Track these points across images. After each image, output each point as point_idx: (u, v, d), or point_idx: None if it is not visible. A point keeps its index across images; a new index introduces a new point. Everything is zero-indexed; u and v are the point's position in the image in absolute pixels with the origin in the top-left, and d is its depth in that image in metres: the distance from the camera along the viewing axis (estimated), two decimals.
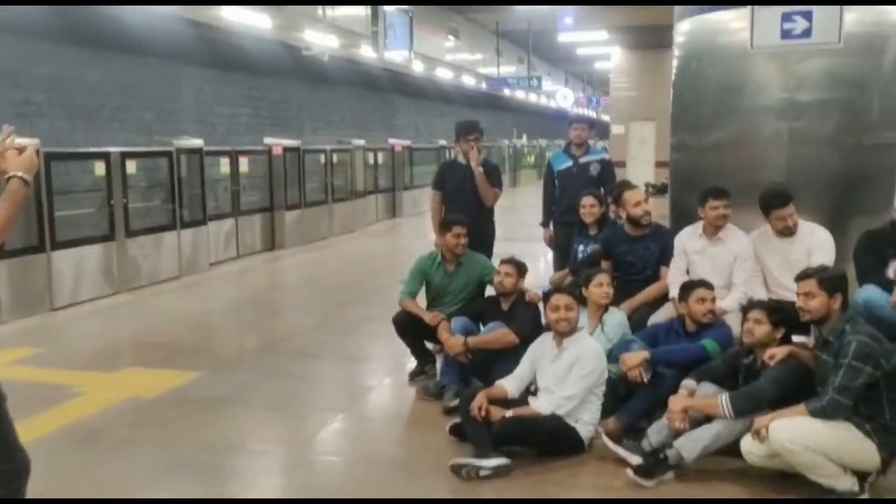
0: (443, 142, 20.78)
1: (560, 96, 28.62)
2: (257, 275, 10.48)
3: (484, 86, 22.75)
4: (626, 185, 5.73)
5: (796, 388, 3.81)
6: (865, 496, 3.58)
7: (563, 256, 6.55)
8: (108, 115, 11.86)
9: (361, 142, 16.05)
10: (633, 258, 5.37)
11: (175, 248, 9.69)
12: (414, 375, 5.54)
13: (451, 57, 21.05)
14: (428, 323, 5.25)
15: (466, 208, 6.13)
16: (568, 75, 35.93)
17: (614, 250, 5.48)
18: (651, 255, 5.33)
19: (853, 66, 5.12)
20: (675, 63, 5.87)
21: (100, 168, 8.57)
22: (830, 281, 3.73)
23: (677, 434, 3.96)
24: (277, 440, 4.59)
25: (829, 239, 4.82)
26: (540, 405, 4.16)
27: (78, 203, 8.69)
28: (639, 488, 3.83)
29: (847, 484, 3.55)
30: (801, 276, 3.83)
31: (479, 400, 4.19)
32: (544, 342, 4.45)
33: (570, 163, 6.67)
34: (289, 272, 10.64)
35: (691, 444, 3.88)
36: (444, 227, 5.61)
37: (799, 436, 3.47)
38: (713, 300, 4.47)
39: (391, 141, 18.49)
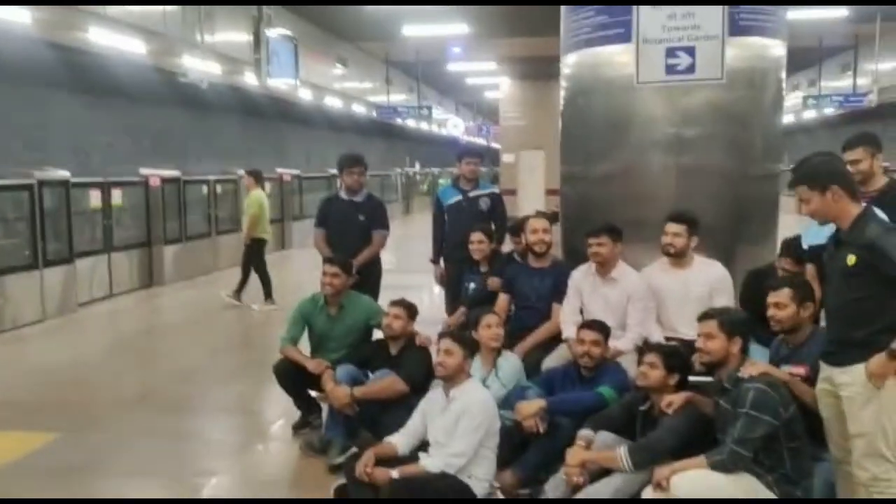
0: (334, 171, 20.33)
1: (451, 125, 28.78)
2: (131, 316, 9.77)
3: (374, 114, 22.49)
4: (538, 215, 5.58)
5: (695, 436, 3.66)
6: None
7: (454, 294, 6.32)
8: None
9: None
10: (528, 290, 5.20)
11: (37, 289, 8.89)
12: (298, 427, 5.15)
13: (339, 85, 20.69)
14: (311, 371, 4.88)
15: (351, 246, 5.83)
16: (458, 104, 36.20)
17: (514, 282, 5.29)
18: (545, 289, 5.16)
19: (736, 101, 5.12)
20: (562, 95, 5.77)
21: None
22: (732, 324, 3.62)
23: (575, 489, 3.75)
24: None
25: (728, 277, 4.77)
26: (429, 462, 3.85)
27: None
28: None
29: None
30: (703, 317, 3.71)
31: (365, 460, 3.86)
32: (436, 392, 4.17)
33: (459, 197, 6.46)
34: (166, 312, 9.98)
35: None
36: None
37: (700, 490, 3.31)
38: (594, 342, 4.29)
39: (279, 170, 17.96)
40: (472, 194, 6.44)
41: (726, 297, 4.65)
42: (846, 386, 3.21)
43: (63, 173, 9.67)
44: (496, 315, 4.64)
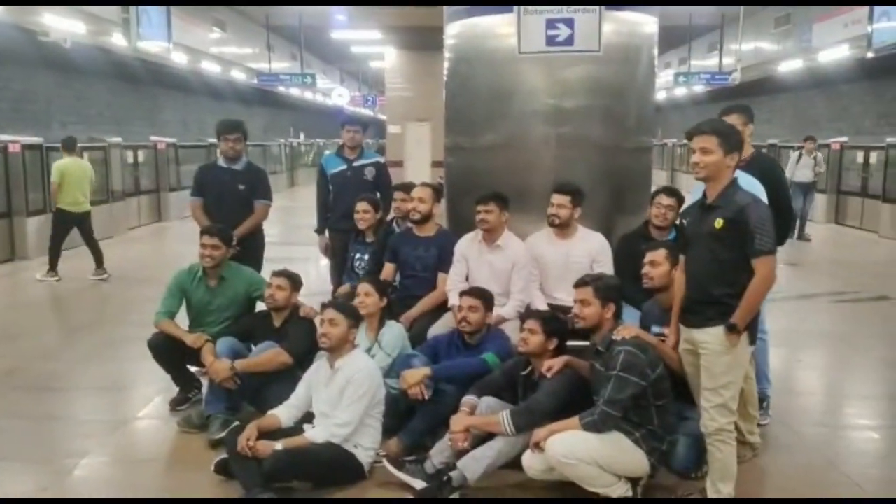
0: (213, 140, 19.63)
1: (336, 94, 28.29)
2: None
3: (255, 81, 21.82)
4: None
5: (574, 397, 3.81)
6: (638, 498, 3.64)
7: (340, 265, 6.25)
8: None
9: (118, 139, 14.71)
10: (413, 259, 5.21)
11: None
12: (176, 404, 4.99)
13: (217, 50, 19.92)
14: (190, 346, 4.72)
15: (231, 216, 5.65)
16: (343, 73, 35.65)
17: (399, 252, 5.29)
18: (430, 258, 5.18)
19: (612, 75, 5.27)
20: (446, 65, 5.76)
21: None
22: (605, 290, 3.76)
23: (461, 454, 3.82)
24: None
25: (608, 247, 4.95)
26: (314, 433, 3.83)
27: None
28: None
29: (620, 490, 3.59)
30: (579, 283, 3.83)
31: (248, 433, 3.79)
32: (320, 363, 4.13)
33: (343, 166, 6.37)
34: (30, 287, 9.38)
35: (474, 465, 3.75)
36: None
37: (573, 450, 3.46)
38: (471, 308, 4.37)
39: (154, 138, 17.18)
40: (356, 163, 6.36)
41: (606, 268, 4.82)
42: (704, 344, 3.40)
43: None
44: (369, 284, 4.62)
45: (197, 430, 4.57)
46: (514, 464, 3.75)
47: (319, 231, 6.55)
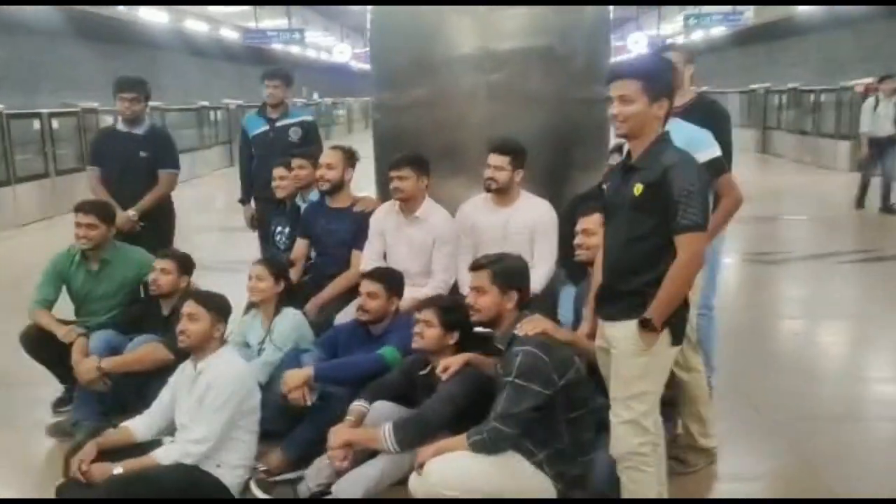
0: (204, 103, 19.07)
1: (336, 51, 27.42)
2: None
3: (241, 39, 20.96)
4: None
5: (476, 404, 3.12)
6: None
7: (266, 238, 5.59)
8: None
9: (95, 104, 14.11)
10: (324, 234, 4.55)
11: None
12: (60, 405, 4.40)
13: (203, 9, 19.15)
14: (61, 340, 4.11)
15: (134, 188, 5.01)
16: (346, 29, 34.62)
17: (311, 226, 4.63)
18: (344, 232, 4.51)
19: (554, 10, 4.51)
20: (369, 10, 5.02)
21: None
22: (506, 275, 3.06)
23: (341, 474, 3.18)
24: None
25: (553, 217, 4.22)
26: (162, 452, 3.19)
27: None
28: None
29: None
30: (474, 266, 3.14)
31: (83, 453, 3.17)
32: (186, 364, 3.48)
33: (265, 127, 5.68)
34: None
35: (352, 488, 3.11)
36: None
37: (454, 478, 2.78)
38: (371, 294, 3.71)
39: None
40: (279, 123, 5.66)
41: (549, 240, 4.13)
42: (615, 342, 2.70)
43: None
44: (262, 266, 3.97)
45: (67, 438, 3.97)
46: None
47: (243, 200, 5.88)
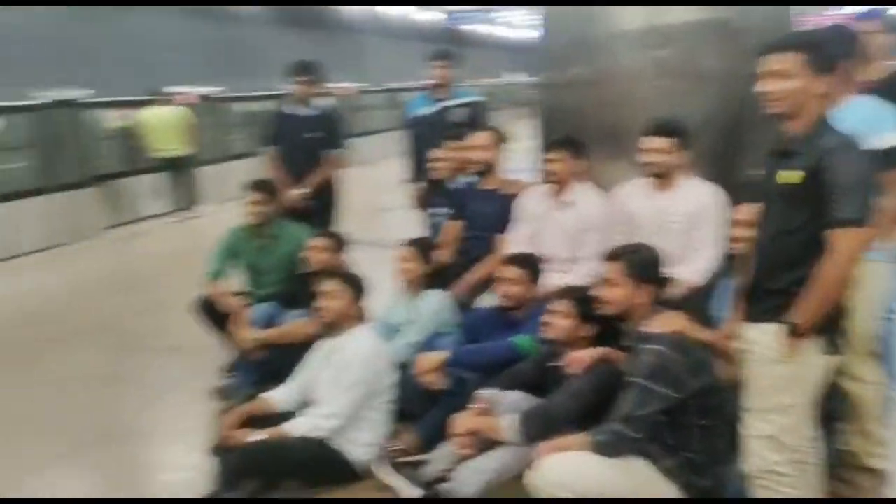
0: (396, 84, 19.64)
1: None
2: (151, 239, 9.54)
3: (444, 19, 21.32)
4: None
5: (608, 401, 2.93)
6: None
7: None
8: (27, 66, 10.84)
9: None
10: (476, 215, 4.50)
11: (47, 215, 8.80)
12: (227, 371, 4.67)
13: None
14: (226, 310, 4.38)
15: (304, 167, 5.23)
16: None
17: (464, 207, 4.60)
18: (493, 215, 4.43)
19: None
20: None
21: None
22: (640, 266, 2.84)
23: (464, 461, 3.12)
24: None
25: (715, 204, 3.90)
26: (294, 425, 3.30)
27: None
28: None
29: None
30: (608, 257, 2.94)
31: (228, 420, 3.35)
32: (326, 340, 3.58)
33: (430, 108, 5.69)
34: (192, 234, 9.63)
35: (471, 477, 3.03)
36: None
37: (569, 478, 2.60)
38: (513, 281, 3.59)
39: (341, 84, 17.37)
40: (445, 104, 5.65)
41: (707, 230, 3.81)
42: (753, 346, 2.41)
43: (76, 93, 9.40)
44: (410, 247, 3.98)
45: (229, 403, 4.22)
46: None
47: (409, 181, 5.95)
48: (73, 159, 9.25)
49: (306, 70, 5.29)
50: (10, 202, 8.40)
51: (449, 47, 5.91)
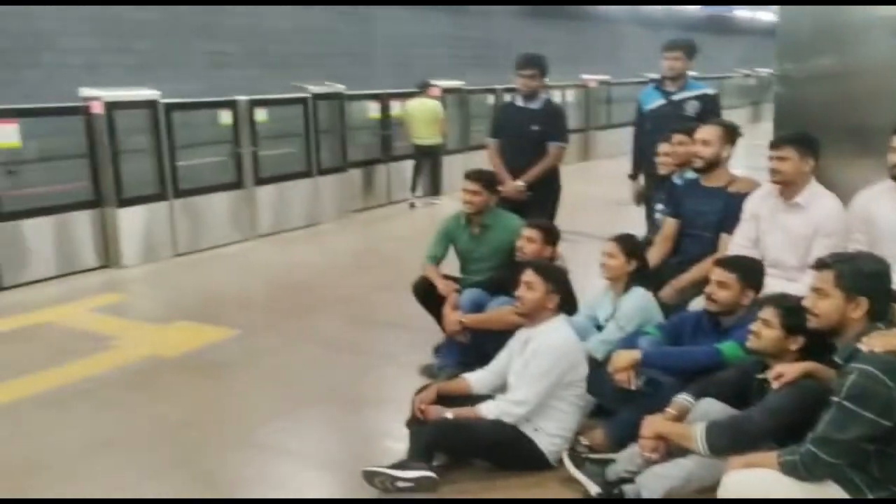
0: (652, 75, 19.06)
1: None
2: (396, 223, 10.20)
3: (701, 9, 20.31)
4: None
5: (808, 420, 2.71)
6: None
7: (650, 215, 5.49)
8: (301, 62, 12.12)
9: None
10: (694, 214, 4.32)
11: (309, 196, 9.70)
12: (439, 350, 4.93)
13: None
14: (440, 293, 4.60)
15: (524, 159, 5.33)
16: None
17: (681, 204, 4.45)
18: (713, 214, 4.22)
19: None
20: None
21: (228, 117, 8.71)
22: (854, 277, 2.58)
23: (649, 464, 3.04)
24: (232, 420, 4.20)
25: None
26: (485, 407, 3.40)
27: (205, 152, 8.88)
28: None
29: None
30: (817, 265, 2.70)
31: (425, 395, 3.54)
32: (524, 330, 3.64)
33: (661, 101, 5.51)
34: (432, 220, 10.15)
35: (654, 482, 2.96)
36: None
37: (753, 496, 2.44)
38: (721, 284, 3.39)
39: (585, 76, 17.28)
40: (677, 97, 5.45)
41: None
42: None
43: (338, 87, 10.24)
44: (615, 243, 3.91)
45: (434, 380, 4.44)
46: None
47: (632, 176, 5.81)
48: (334, 147, 10.12)
49: (531, 64, 5.37)
50: (281, 183, 9.39)
51: (691, 37, 5.67)
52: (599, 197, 10.16)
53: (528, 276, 3.50)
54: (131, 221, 7.66)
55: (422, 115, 10.74)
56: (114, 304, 6.42)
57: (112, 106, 7.45)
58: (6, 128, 6.85)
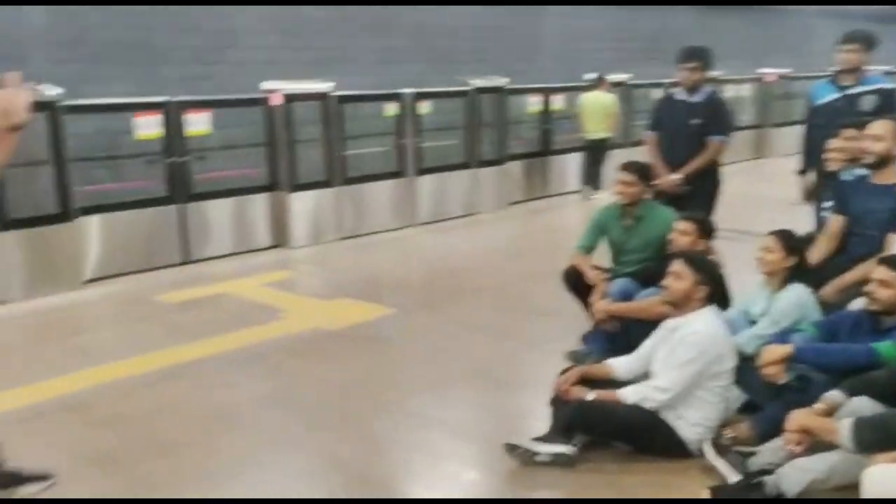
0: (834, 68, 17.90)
1: None
2: (553, 215, 10.28)
3: None
4: None
5: None
6: None
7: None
8: (466, 57, 12.50)
9: (715, 73, 14.61)
10: (862, 212, 4.14)
11: (469, 187, 9.98)
12: (586, 338, 5.00)
13: None
14: (589, 282, 4.68)
15: (683, 153, 5.28)
16: None
17: (848, 201, 4.28)
18: (883, 212, 4.03)
19: None
20: None
21: (393, 109, 9.13)
22: None
23: (793, 457, 3.00)
24: (385, 388, 4.49)
25: None
26: (627, 391, 3.46)
27: (371, 142, 9.36)
28: None
29: None
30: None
31: (568, 376, 3.65)
32: (671, 320, 3.66)
33: (834, 95, 5.27)
34: (589, 213, 10.15)
35: (795, 475, 2.93)
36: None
37: (892, 492, 2.37)
38: (883, 283, 3.26)
39: (762, 70, 16.50)
40: (851, 91, 5.20)
41: None
42: None
43: (501, 80, 10.44)
44: (774, 238, 3.83)
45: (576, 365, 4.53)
46: None
47: (801, 172, 5.59)
48: (494, 139, 10.35)
49: (693, 56, 5.30)
50: (443, 173, 9.74)
51: (863, 29, 5.38)
52: (768, 195, 9.79)
53: (677, 266, 3.53)
54: (302, 205, 8.24)
55: (593, 109, 10.79)
56: (283, 280, 6.96)
57: (289, 98, 8.05)
58: (199, 117, 7.57)
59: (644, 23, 15.77)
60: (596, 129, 10.77)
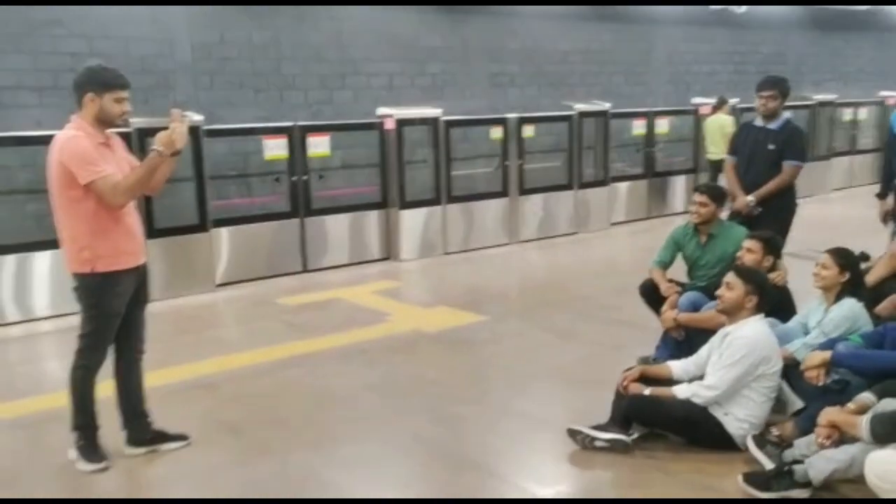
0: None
1: None
2: (652, 235, 10.52)
3: None
4: None
5: None
6: None
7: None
8: (576, 80, 12.98)
9: (830, 96, 14.44)
10: None
11: (570, 207, 10.42)
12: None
13: None
14: (662, 294, 5.06)
15: (757, 177, 5.58)
16: None
17: None
18: None
19: None
20: None
21: (498, 132, 9.72)
22: None
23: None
24: (473, 383, 5.01)
25: None
26: (679, 388, 3.86)
27: (477, 164, 9.98)
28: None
29: None
30: None
31: (631, 373, 4.08)
32: (727, 327, 4.04)
33: None
34: None
35: (821, 464, 3.27)
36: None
37: (892, 473, 2.69)
38: None
39: (884, 93, 16.04)
40: None
41: None
42: None
43: (603, 105, 10.86)
44: (830, 255, 4.13)
45: None
46: None
47: (880, 195, 5.75)
48: (597, 162, 10.76)
49: (770, 85, 5.58)
50: (544, 194, 10.23)
51: None
52: (858, 218, 9.72)
53: (729, 277, 3.91)
54: (411, 222, 8.96)
55: (713, 130, 11.12)
56: (390, 289, 7.64)
57: (401, 122, 8.79)
58: (320, 140, 8.43)
59: (760, 45, 15.70)
60: (717, 151, 10.88)
